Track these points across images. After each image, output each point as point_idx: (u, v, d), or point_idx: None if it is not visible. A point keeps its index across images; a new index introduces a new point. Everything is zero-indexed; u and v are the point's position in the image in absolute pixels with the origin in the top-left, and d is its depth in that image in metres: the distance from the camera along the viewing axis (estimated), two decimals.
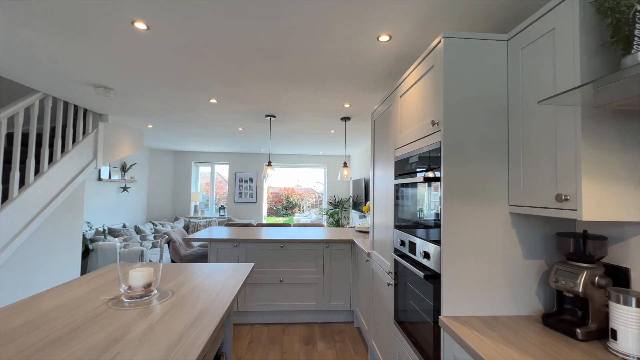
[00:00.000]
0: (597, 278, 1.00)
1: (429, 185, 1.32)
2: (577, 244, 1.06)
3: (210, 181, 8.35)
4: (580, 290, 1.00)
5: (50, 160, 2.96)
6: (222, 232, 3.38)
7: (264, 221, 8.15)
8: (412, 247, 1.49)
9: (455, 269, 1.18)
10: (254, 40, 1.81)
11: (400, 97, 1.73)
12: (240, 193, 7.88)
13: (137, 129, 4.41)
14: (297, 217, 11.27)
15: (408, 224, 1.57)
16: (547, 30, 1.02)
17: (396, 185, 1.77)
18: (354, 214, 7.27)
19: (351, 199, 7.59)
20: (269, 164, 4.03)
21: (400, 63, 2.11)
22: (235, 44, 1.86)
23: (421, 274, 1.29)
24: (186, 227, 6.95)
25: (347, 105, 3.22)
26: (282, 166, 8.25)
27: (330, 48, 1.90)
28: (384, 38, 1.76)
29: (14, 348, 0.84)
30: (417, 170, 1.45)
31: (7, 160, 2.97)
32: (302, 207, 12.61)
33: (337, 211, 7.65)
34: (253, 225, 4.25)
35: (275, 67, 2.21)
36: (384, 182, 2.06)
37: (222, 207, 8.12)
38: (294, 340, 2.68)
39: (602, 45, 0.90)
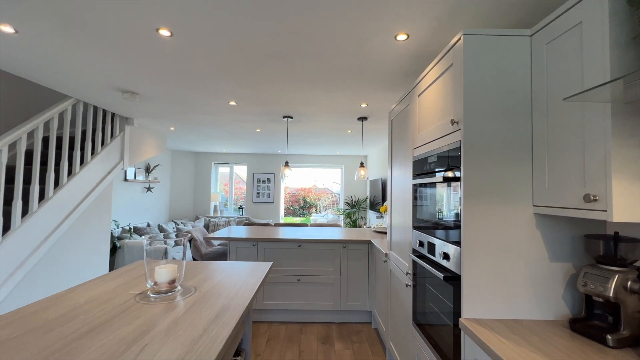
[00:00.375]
0: (629, 282, 0.95)
1: (449, 185, 1.30)
2: (607, 247, 1.01)
3: (229, 181, 8.54)
4: (611, 294, 0.95)
5: (82, 162, 3.13)
6: (240, 232, 3.45)
7: (281, 221, 8.24)
8: (431, 248, 1.47)
9: (476, 271, 1.16)
10: (271, 43, 1.84)
11: (419, 96, 1.71)
12: (258, 193, 8.01)
13: (160, 132, 4.58)
14: (314, 217, 11.31)
15: (427, 225, 1.55)
16: (573, 24, 0.98)
17: (414, 185, 1.75)
18: (371, 215, 7.22)
19: (368, 199, 7.54)
20: (286, 164, 4.08)
21: (418, 62, 2.09)
22: (253, 47, 1.90)
23: (440, 275, 1.27)
24: (206, 226, 7.14)
25: (364, 105, 3.20)
26: (299, 166, 8.31)
27: (347, 48, 1.90)
28: (401, 37, 1.74)
29: (53, 337, 0.91)
30: (436, 170, 1.43)
31: (43, 162, 3.17)
32: (319, 207, 12.65)
33: (354, 211, 7.62)
34: (271, 225, 4.31)
35: (292, 69, 2.24)
36: (402, 182, 2.04)
37: (240, 207, 8.28)
38: (311, 340, 2.70)
39: (633, 39, 0.85)
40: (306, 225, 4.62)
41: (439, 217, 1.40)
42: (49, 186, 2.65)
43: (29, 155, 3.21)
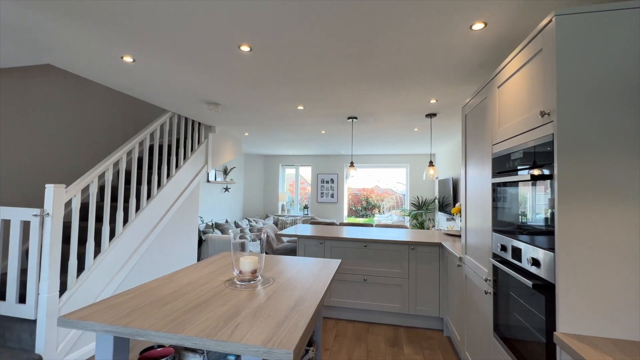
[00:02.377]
0: None
1: (538, 184, 1.18)
2: None
3: (294, 182, 8.97)
4: None
5: (176, 166, 3.66)
6: (307, 230, 3.61)
7: (345, 221, 8.32)
8: (516, 252, 1.34)
9: (575, 280, 1.03)
10: (339, 48, 1.90)
11: (498, 87, 1.57)
12: (322, 193, 8.23)
13: (236, 137, 5.06)
14: (378, 218, 11.12)
15: (510, 228, 1.42)
16: None
17: (494, 184, 1.61)
18: (440, 216, 6.79)
19: (437, 200, 7.11)
20: (351, 164, 4.12)
21: (496, 51, 1.91)
22: (322, 55, 1.98)
23: (529, 282, 1.16)
24: (275, 224, 7.63)
25: (433, 101, 3.06)
26: (363, 167, 8.29)
27: (416, 44, 1.85)
28: (477, 26, 1.63)
29: (168, 309, 1.10)
30: (521, 167, 1.31)
31: (148, 167, 3.80)
32: (382, 208, 12.39)
33: (420, 213, 7.28)
34: (336, 224, 4.40)
35: (359, 70, 2.26)
36: (478, 181, 1.89)
37: (305, 207, 8.62)
38: (379, 340, 2.68)
39: None
40: (371, 225, 4.59)
41: (526, 218, 1.27)
42: (153, 186, 3.17)
43: (137, 161, 3.88)
